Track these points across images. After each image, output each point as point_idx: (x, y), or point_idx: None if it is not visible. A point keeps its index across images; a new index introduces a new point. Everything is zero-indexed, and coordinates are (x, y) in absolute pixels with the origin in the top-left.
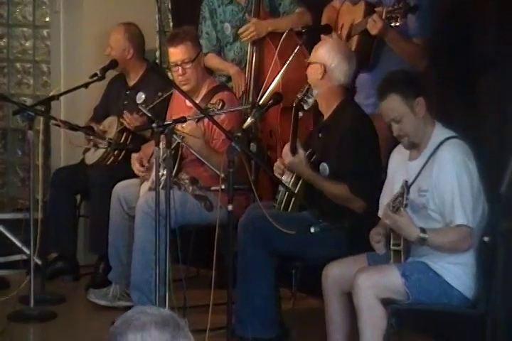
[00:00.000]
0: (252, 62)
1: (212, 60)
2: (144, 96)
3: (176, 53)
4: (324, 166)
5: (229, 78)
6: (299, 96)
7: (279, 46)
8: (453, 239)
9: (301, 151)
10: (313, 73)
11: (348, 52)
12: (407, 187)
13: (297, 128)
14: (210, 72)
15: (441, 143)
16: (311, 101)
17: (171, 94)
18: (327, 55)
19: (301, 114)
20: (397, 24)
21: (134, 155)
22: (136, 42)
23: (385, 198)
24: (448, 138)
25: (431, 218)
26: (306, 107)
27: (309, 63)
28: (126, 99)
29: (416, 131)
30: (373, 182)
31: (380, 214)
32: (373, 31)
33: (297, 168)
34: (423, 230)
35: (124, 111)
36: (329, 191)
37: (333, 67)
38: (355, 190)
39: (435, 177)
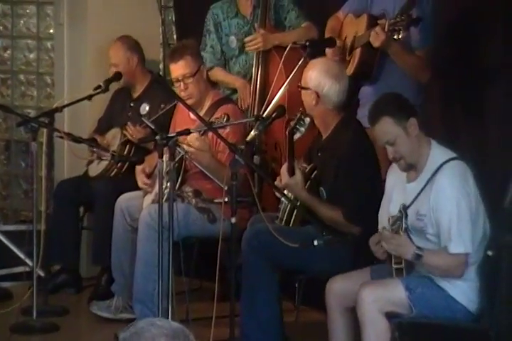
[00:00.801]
0: (257, 75)
1: (219, 74)
2: (147, 107)
3: (177, 69)
4: (323, 191)
5: (233, 91)
6: (291, 124)
7: (283, 57)
8: (448, 263)
9: (298, 173)
10: (307, 99)
11: (337, 70)
12: (405, 211)
13: (293, 150)
14: (213, 84)
15: (439, 167)
16: (303, 129)
17: (175, 106)
18: (317, 81)
19: (296, 137)
20: (400, 37)
21: (139, 168)
22: (138, 51)
23: (384, 214)
24: (446, 161)
25: (430, 241)
26: (299, 135)
27: (301, 88)
28: (130, 111)
29: (411, 152)
30: (370, 206)
31: (380, 228)
32: (376, 44)
33: (293, 190)
34: (419, 248)
35: (128, 123)
36: (324, 215)
37: (325, 92)
38: (349, 216)
39: (433, 202)
